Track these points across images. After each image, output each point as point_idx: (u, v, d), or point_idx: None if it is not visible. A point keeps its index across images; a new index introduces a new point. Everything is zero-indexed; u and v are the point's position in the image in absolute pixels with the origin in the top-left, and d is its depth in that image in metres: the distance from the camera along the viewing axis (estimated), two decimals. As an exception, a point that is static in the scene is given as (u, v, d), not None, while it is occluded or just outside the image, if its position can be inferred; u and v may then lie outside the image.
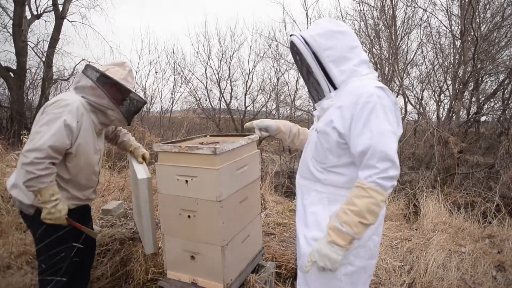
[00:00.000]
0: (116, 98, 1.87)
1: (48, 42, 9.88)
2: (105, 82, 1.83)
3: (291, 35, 1.47)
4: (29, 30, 9.80)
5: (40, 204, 1.65)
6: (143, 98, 2.07)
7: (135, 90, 2.03)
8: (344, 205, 1.24)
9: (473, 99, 6.69)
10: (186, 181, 1.75)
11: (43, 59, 9.79)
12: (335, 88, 1.39)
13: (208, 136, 2.34)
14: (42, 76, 9.90)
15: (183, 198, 1.79)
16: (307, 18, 8.99)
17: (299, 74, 1.58)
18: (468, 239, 3.16)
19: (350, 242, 1.22)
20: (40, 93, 9.91)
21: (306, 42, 1.39)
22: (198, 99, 10.93)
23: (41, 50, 10.08)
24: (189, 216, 1.79)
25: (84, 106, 1.77)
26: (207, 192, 1.71)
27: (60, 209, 1.68)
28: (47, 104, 1.71)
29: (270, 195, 4.53)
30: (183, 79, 10.94)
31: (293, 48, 1.47)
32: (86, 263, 2.14)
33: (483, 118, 6.84)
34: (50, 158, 1.61)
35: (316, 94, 1.49)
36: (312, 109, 1.68)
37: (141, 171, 2.12)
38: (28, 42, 9.57)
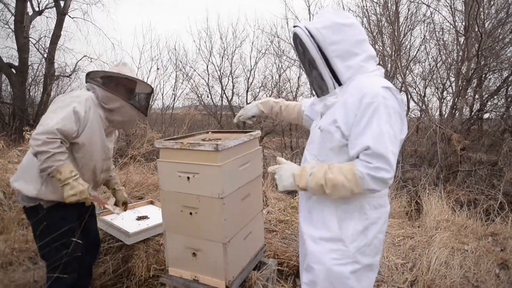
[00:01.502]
0: (123, 94, 1.92)
1: (50, 39, 9.84)
2: (109, 81, 1.90)
3: (294, 26, 1.41)
4: (31, 26, 9.76)
5: (61, 185, 1.66)
6: (149, 84, 2.11)
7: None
8: (329, 165, 1.29)
9: (476, 96, 6.65)
10: (188, 177, 1.74)
11: (45, 55, 9.77)
12: (339, 84, 1.35)
13: (210, 132, 2.33)
14: (44, 73, 9.88)
15: (185, 195, 1.78)
16: (309, 14, 8.92)
17: (302, 68, 1.54)
18: (471, 237, 3.14)
19: (301, 189, 1.32)
20: (42, 89, 9.89)
21: (311, 35, 1.34)
22: (199, 95, 10.91)
23: (43, 46, 10.05)
24: (190, 213, 1.78)
25: (93, 99, 1.84)
26: (209, 189, 1.70)
27: (82, 182, 1.70)
28: (59, 96, 1.82)
29: (272, 192, 4.51)
30: (184, 76, 10.91)
31: (296, 40, 1.42)
32: (90, 259, 2.14)
33: (486, 115, 6.80)
34: (60, 138, 1.65)
35: (319, 89, 1.45)
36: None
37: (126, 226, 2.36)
38: (30, 39, 9.53)
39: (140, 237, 2.45)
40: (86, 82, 1.94)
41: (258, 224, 2.17)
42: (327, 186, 1.25)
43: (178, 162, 1.77)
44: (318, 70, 1.36)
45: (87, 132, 1.78)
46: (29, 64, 9.68)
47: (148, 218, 2.73)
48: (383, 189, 1.26)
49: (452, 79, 7.12)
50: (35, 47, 9.93)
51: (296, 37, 1.41)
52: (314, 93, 1.56)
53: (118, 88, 1.92)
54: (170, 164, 1.80)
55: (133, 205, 2.99)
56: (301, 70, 9.26)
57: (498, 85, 6.73)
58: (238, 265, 1.90)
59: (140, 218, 2.73)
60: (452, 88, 7.16)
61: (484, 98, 6.63)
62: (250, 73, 10.66)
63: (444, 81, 7.46)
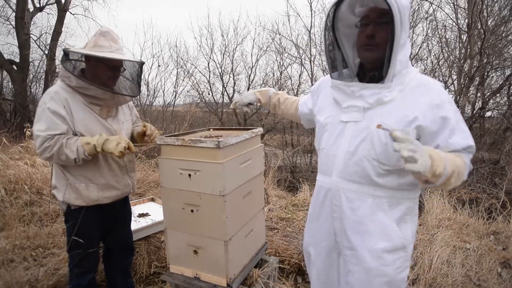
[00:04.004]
0: (96, 73, 1.76)
1: (51, 35, 9.85)
2: (77, 60, 1.79)
3: None
4: (32, 22, 9.76)
5: (100, 148, 1.66)
6: (133, 58, 1.92)
7: (118, 53, 1.82)
8: (448, 153, 1.17)
9: (479, 94, 6.62)
10: (189, 175, 1.73)
11: (46, 52, 9.77)
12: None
13: (211, 129, 2.31)
14: (45, 69, 9.89)
15: (186, 192, 1.77)
16: (311, 11, 8.86)
17: (334, 39, 1.35)
18: (473, 235, 3.13)
19: (432, 176, 1.05)
20: (43, 86, 9.90)
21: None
22: (200, 92, 10.88)
23: (44, 43, 10.05)
24: (192, 211, 1.77)
25: (65, 89, 1.72)
26: (210, 186, 1.69)
27: (111, 138, 1.68)
28: (40, 100, 1.75)
29: (273, 189, 4.51)
30: (185, 73, 10.88)
31: (373, 3, 1.19)
32: (122, 261, 2.15)
33: (488, 114, 6.78)
34: (56, 134, 1.64)
35: (343, 71, 1.34)
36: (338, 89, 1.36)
37: None
38: (31, 35, 9.53)
39: (141, 234, 2.45)
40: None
41: (260, 221, 2.16)
42: (458, 175, 1.14)
43: (180, 159, 1.76)
44: (391, 52, 1.14)
45: (80, 128, 1.72)
46: (30, 60, 9.69)
47: (149, 215, 2.73)
48: None
49: (454, 77, 7.08)
50: (36, 44, 9.94)
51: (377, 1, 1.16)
52: (351, 73, 1.36)
53: (90, 65, 1.76)
54: (171, 161, 1.79)
55: (134, 203, 2.99)
56: (302, 67, 9.20)
57: (500, 83, 6.71)
58: (240, 262, 1.89)
59: (141, 216, 2.72)
60: (454, 86, 7.12)
61: (486, 96, 6.61)
62: (251, 70, 10.61)
63: (446, 79, 7.41)
